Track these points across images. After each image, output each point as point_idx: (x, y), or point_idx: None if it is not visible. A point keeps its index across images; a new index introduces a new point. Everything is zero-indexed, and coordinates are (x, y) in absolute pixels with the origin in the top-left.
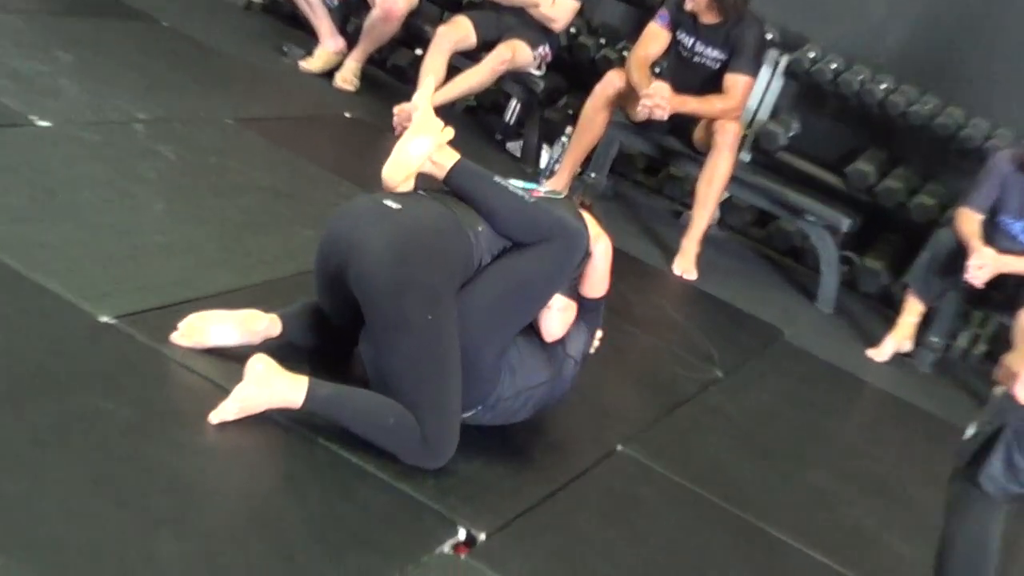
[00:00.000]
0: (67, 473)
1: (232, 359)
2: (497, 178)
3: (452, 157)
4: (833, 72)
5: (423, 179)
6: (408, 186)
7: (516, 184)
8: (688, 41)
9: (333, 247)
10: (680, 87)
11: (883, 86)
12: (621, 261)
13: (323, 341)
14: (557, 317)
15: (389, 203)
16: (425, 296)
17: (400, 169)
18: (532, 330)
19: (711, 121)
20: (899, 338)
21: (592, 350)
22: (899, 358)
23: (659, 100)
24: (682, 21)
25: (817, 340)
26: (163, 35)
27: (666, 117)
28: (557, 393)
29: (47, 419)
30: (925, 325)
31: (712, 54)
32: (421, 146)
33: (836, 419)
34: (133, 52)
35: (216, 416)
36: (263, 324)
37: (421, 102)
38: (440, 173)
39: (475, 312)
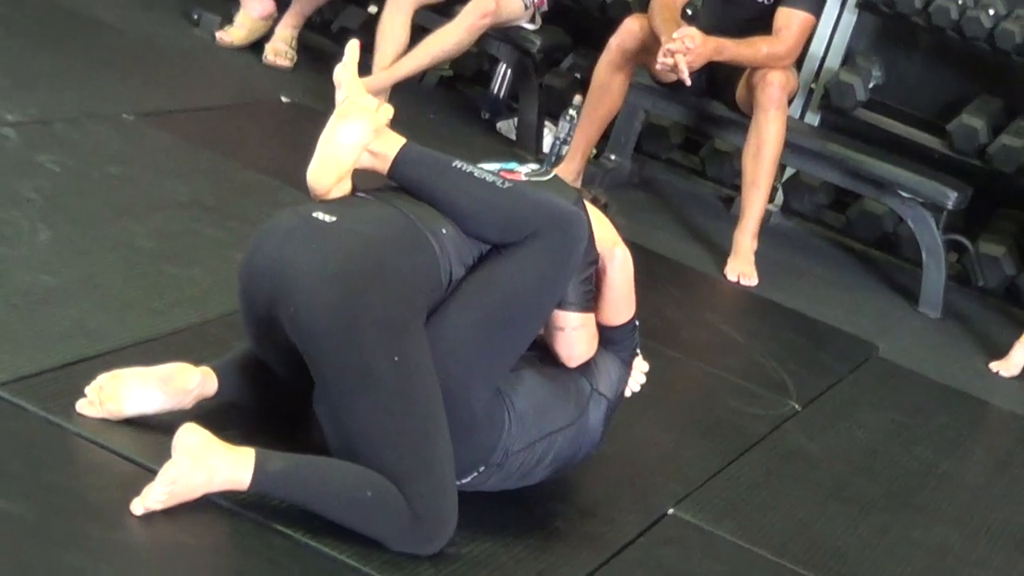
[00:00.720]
0: None
1: (157, 429)
2: (458, 162)
3: (396, 143)
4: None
5: (363, 178)
6: (343, 189)
7: (488, 167)
8: None
9: (256, 283)
10: (719, 31)
11: (991, 12)
12: (657, 267)
13: (271, 398)
14: (575, 337)
15: (320, 216)
16: (384, 333)
17: (330, 168)
18: (543, 359)
19: (752, 73)
20: None
21: (630, 391)
22: None
23: (684, 46)
24: None
25: (923, 355)
26: (32, 12)
27: (694, 69)
28: (585, 443)
29: None
30: None
31: None
32: (352, 134)
33: (955, 456)
34: None
35: (139, 505)
36: (194, 381)
37: (344, 75)
38: (383, 166)
39: (453, 345)
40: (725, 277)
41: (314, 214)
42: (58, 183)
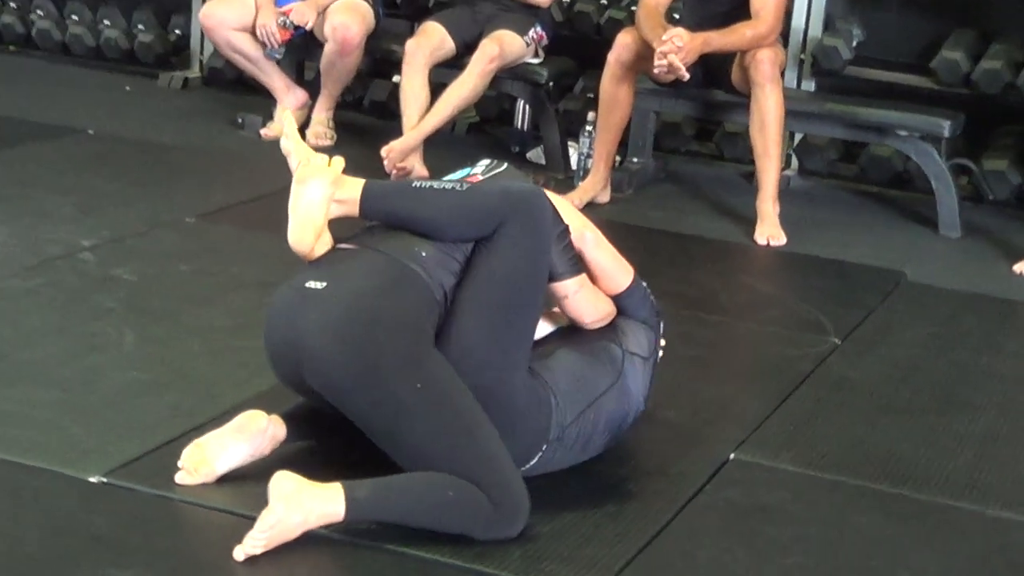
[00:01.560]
0: None
1: (250, 480)
2: (416, 183)
3: (357, 186)
4: None
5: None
6: (325, 243)
7: (450, 179)
8: None
9: (279, 360)
10: (703, 26)
11: None
12: (693, 247)
13: (337, 433)
14: (580, 299)
15: (312, 285)
16: (401, 371)
17: (306, 230)
18: (569, 338)
19: (743, 56)
20: None
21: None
22: None
23: (675, 46)
24: None
25: (949, 272)
26: (92, 145)
27: (688, 65)
28: (632, 403)
29: None
30: None
31: None
32: (314, 193)
33: (990, 354)
34: (63, 173)
35: (240, 552)
36: (264, 422)
37: (290, 144)
38: (352, 209)
39: (467, 351)
40: (755, 243)
41: (307, 284)
42: (135, 290)
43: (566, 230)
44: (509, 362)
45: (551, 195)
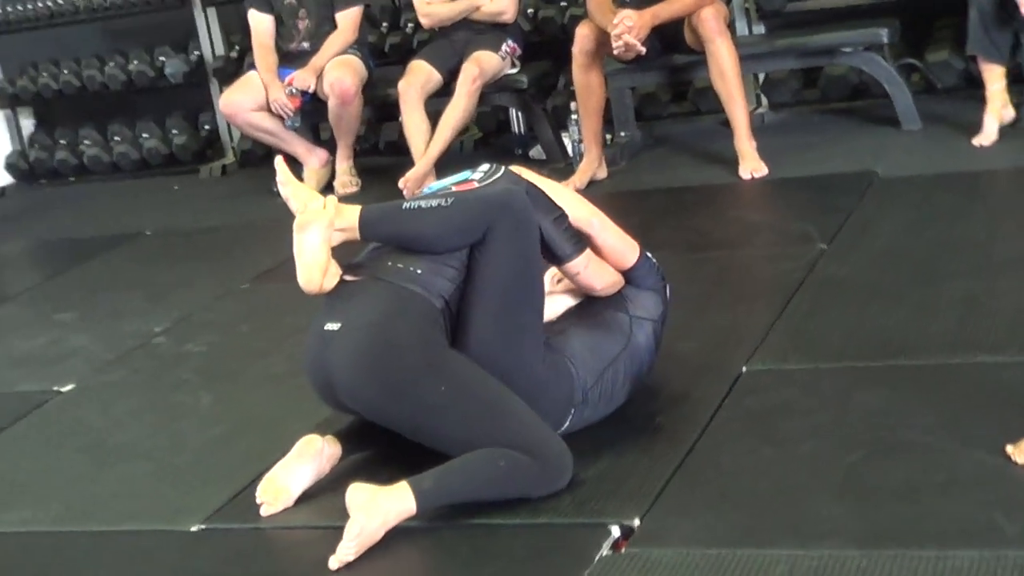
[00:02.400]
0: None
1: (321, 495)
2: (406, 204)
3: (354, 213)
4: None
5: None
6: (333, 277)
7: (446, 183)
8: None
9: (321, 393)
10: (647, 4)
11: None
12: (687, 196)
13: (388, 441)
14: (590, 273)
15: (330, 327)
16: (422, 382)
17: (312, 271)
18: (580, 315)
19: (690, 19)
20: (996, 111)
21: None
22: (1008, 130)
23: (625, 26)
24: None
25: (916, 160)
26: (151, 244)
27: (641, 40)
28: (645, 358)
29: None
30: (1019, 83)
31: None
32: (314, 237)
33: (962, 224)
34: (129, 273)
35: (335, 561)
36: (319, 443)
37: (287, 190)
38: (353, 235)
39: (483, 346)
40: (741, 179)
41: (326, 328)
42: (205, 358)
43: (563, 215)
44: (524, 345)
45: (557, 186)
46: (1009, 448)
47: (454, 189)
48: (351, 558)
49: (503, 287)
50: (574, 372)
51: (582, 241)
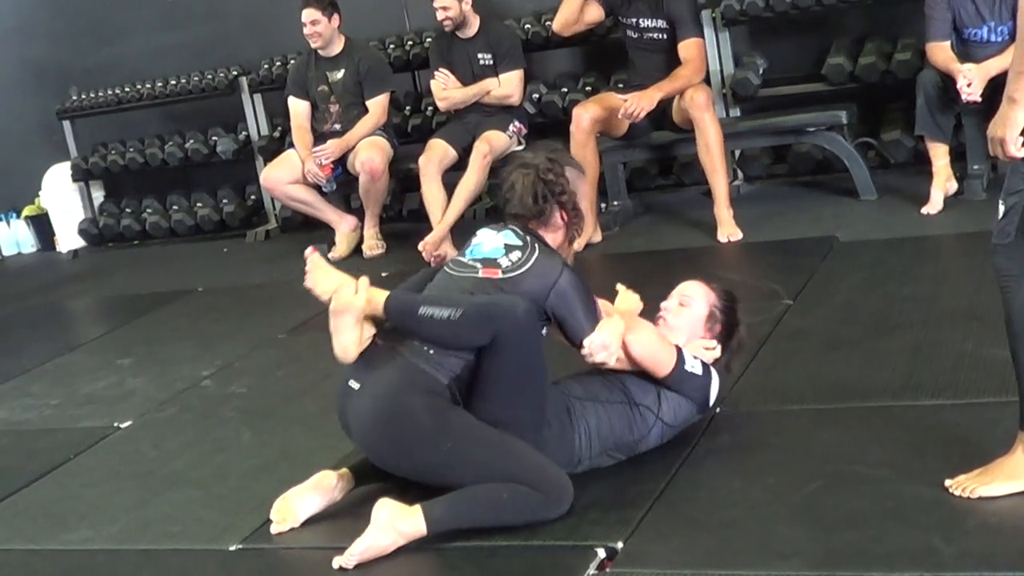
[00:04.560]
0: None
1: (339, 518)
2: (423, 308)
3: (381, 297)
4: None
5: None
6: (366, 343)
7: (474, 256)
8: (632, 20)
9: (345, 431)
10: (648, 79)
11: None
12: (670, 257)
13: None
14: (633, 349)
15: (352, 384)
16: (426, 442)
17: (348, 348)
18: (619, 389)
19: (680, 99)
20: (941, 184)
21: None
22: (952, 200)
23: (637, 106)
24: (616, 4)
25: (871, 227)
26: (202, 300)
27: (648, 111)
28: (649, 446)
29: None
30: (962, 160)
31: (657, 24)
32: (347, 320)
33: (911, 283)
34: (180, 326)
35: (336, 561)
36: (333, 480)
37: (309, 284)
38: (379, 313)
39: (499, 418)
40: (719, 242)
41: (350, 383)
42: (246, 399)
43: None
44: (529, 418)
45: (618, 316)
46: (948, 482)
47: (481, 274)
48: (350, 566)
49: (504, 385)
50: (578, 445)
51: (593, 314)
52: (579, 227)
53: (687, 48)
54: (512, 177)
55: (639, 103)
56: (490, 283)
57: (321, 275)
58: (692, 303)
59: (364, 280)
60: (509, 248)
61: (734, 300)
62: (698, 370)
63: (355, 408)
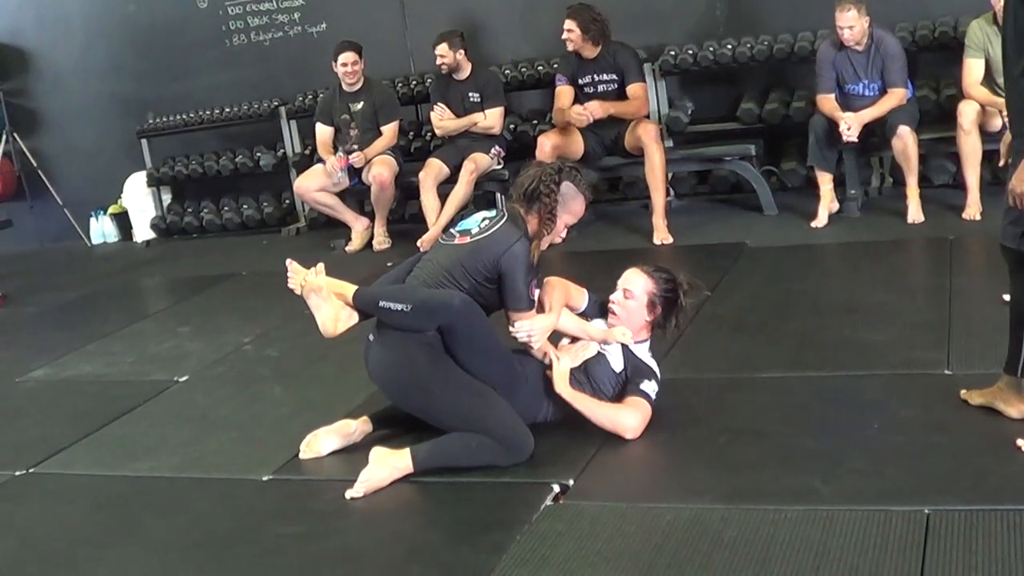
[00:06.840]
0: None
1: (353, 457)
2: (383, 302)
3: (349, 290)
4: (691, 56)
5: None
6: (347, 322)
7: (461, 225)
8: (587, 79)
9: (370, 376)
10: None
11: (728, 46)
12: (614, 257)
13: (406, 423)
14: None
15: (370, 336)
16: (423, 384)
17: (327, 326)
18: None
19: (635, 128)
20: (826, 204)
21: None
22: (834, 217)
23: (588, 111)
24: (575, 70)
25: (772, 235)
26: (245, 282)
27: (599, 118)
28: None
29: (251, 554)
30: (842, 186)
31: (607, 77)
32: (321, 303)
33: (801, 281)
34: (228, 303)
35: (349, 494)
36: (354, 427)
37: (294, 283)
38: (349, 302)
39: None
40: (655, 245)
41: (369, 337)
42: (279, 361)
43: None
44: (497, 371)
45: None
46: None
47: (456, 241)
48: (359, 496)
49: (465, 352)
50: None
51: (532, 298)
52: (549, 230)
53: (634, 90)
54: (528, 169)
55: (590, 109)
56: (461, 248)
57: (296, 276)
58: (634, 294)
59: (319, 266)
60: (484, 219)
61: (672, 279)
62: (651, 390)
63: (372, 355)
